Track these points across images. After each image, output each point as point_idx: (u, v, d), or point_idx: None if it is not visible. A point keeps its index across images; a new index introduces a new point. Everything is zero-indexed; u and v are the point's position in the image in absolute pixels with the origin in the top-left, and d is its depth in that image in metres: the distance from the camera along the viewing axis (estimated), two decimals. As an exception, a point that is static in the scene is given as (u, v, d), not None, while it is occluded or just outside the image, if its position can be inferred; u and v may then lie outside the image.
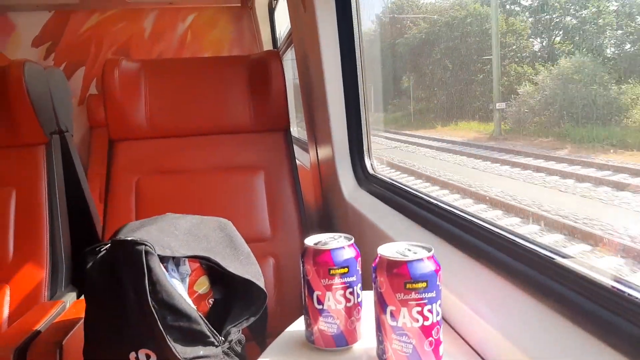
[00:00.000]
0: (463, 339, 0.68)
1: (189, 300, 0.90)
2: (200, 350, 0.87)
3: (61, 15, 3.51)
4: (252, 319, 0.96)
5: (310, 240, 0.70)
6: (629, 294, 0.52)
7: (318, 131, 1.61)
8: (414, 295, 0.58)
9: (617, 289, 0.53)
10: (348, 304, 0.67)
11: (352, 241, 0.69)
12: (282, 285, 1.38)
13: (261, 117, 1.52)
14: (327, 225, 1.61)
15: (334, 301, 0.67)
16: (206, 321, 0.89)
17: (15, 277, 1.32)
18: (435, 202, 0.98)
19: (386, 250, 0.61)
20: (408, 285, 0.58)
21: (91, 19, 3.56)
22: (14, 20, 3.46)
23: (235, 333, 0.95)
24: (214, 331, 0.90)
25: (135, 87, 1.48)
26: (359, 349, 0.68)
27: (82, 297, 1.36)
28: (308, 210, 1.60)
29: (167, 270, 0.90)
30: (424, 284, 0.58)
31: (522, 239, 0.71)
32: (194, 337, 0.87)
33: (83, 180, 1.63)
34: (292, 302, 1.36)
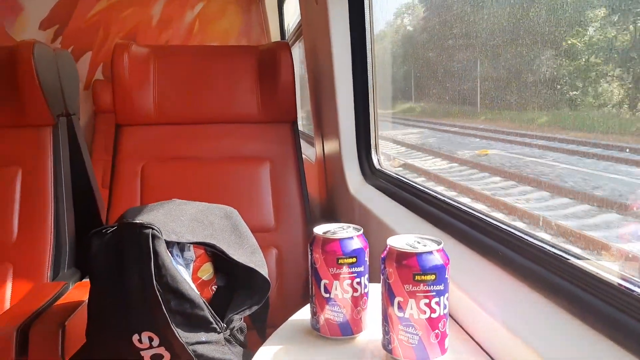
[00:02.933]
0: (469, 334, 0.68)
1: (193, 286, 0.90)
2: (203, 336, 0.88)
3: None
4: (255, 308, 0.97)
5: (319, 229, 0.70)
6: (637, 293, 0.52)
7: (325, 125, 1.61)
8: (422, 287, 0.58)
9: (626, 288, 0.53)
10: (355, 294, 0.67)
11: (361, 232, 0.69)
12: (284, 276, 1.39)
13: (269, 108, 1.52)
14: (331, 219, 1.62)
15: (341, 290, 0.67)
16: (209, 307, 0.89)
17: (18, 257, 1.33)
18: (442, 197, 0.98)
19: (396, 242, 0.62)
20: (417, 277, 0.58)
21: (100, 3, 3.56)
22: (22, 2, 3.45)
23: (237, 321, 0.96)
24: (217, 317, 0.90)
25: (144, 73, 1.48)
26: (364, 338, 0.69)
27: (85, 279, 1.36)
28: (312, 203, 1.60)
29: (172, 256, 0.90)
30: (433, 277, 0.59)
31: (530, 236, 0.71)
32: (197, 323, 0.87)
33: (88, 163, 1.63)
34: (293, 294, 1.37)
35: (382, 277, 0.62)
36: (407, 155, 3.08)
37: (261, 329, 1.03)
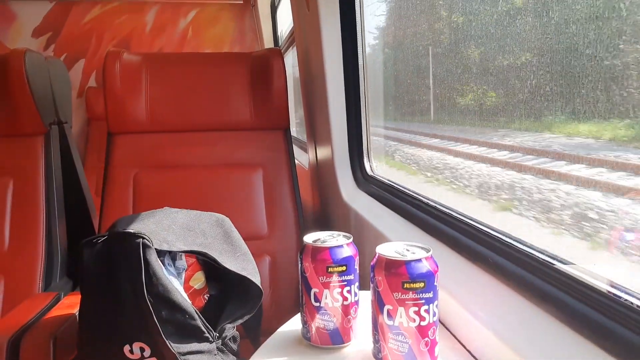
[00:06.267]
0: (459, 341, 0.68)
1: (185, 295, 0.90)
2: (195, 346, 0.87)
3: (63, 6, 3.50)
4: (247, 316, 0.96)
5: (309, 238, 0.70)
6: (624, 299, 0.52)
7: (318, 131, 1.61)
8: (411, 295, 0.59)
9: (614, 295, 0.54)
10: (345, 302, 0.67)
11: (351, 240, 0.69)
12: (278, 283, 1.38)
13: (261, 115, 1.52)
14: (324, 225, 1.61)
15: (331, 299, 0.67)
16: (201, 317, 0.89)
17: (10, 268, 1.32)
18: (433, 204, 0.99)
19: (385, 250, 0.62)
20: (406, 285, 0.58)
21: (93, 10, 3.56)
22: (15, 10, 3.45)
23: (230, 330, 0.95)
24: (209, 327, 0.90)
25: (136, 80, 1.48)
26: (355, 347, 0.69)
27: (77, 289, 1.35)
28: (305, 210, 1.60)
29: (163, 265, 0.90)
30: (422, 284, 0.59)
31: (521, 243, 0.71)
32: (189, 332, 0.87)
33: (81, 172, 1.63)
34: (287, 301, 1.36)
35: (371, 285, 0.62)
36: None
37: (254, 337, 1.03)
